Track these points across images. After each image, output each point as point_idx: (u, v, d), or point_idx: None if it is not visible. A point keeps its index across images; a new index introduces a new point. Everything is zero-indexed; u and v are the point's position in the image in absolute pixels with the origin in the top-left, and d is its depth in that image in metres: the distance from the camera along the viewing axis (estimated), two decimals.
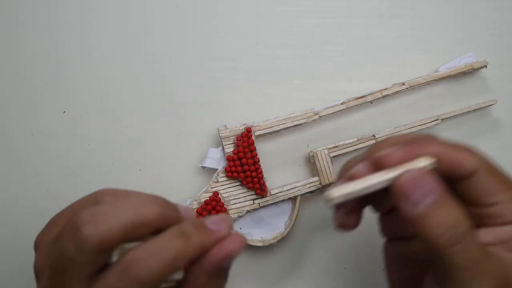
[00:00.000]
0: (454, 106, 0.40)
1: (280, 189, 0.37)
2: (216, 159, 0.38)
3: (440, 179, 0.24)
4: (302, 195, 0.37)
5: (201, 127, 0.40)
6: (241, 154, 0.37)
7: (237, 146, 0.37)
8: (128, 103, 0.40)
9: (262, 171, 0.37)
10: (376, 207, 0.28)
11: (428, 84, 0.39)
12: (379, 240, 0.30)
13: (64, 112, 0.40)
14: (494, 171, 0.25)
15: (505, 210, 0.25)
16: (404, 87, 0.39)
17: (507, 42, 0.42)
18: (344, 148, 0.38)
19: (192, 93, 0.40)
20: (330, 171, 0.37)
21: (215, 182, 0.37)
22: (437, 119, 0.39)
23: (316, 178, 0.37)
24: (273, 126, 0.38)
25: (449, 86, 0.41)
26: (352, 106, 0.38)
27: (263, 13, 0.41)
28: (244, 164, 0.37)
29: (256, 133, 0.38)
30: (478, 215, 0.25)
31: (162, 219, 0.24)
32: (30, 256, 0.39)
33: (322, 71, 0.41)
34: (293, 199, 0.38)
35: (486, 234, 0.25)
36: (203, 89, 0.40)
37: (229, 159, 0.37)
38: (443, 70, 0.39)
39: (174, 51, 0.41)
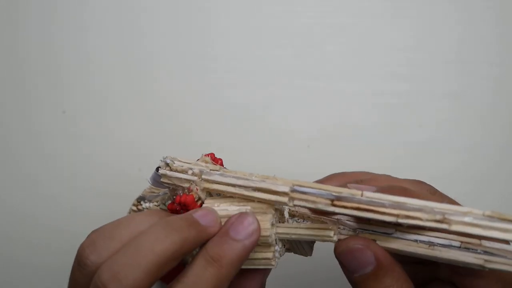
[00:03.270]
0: None
1: None
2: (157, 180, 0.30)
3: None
4: None
5: (201, 127, 0.40)
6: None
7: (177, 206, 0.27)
8: (128, 103, 0.40)
9: None
10: None
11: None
12: None
13: (64, 112, 0.40)
14: (436, 199, 0.26)
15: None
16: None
17: (507, 42, 0.42)
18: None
19: (192, 93, 0.40)
20: None
21: (163, 205, 0.30)
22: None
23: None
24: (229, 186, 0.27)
25: None
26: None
27: (263, 13, 0.41)
28: None
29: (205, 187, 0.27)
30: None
31: (186, 245, 0.23)
32: (22, 261, 0.39)
33: (322, 71, 0.41)
34: None
35: None
36: (203, 89, 0.40)
37: (168, 209, 0.28)
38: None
39: (174, 51, 0.41)
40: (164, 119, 0.40)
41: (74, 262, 0.23)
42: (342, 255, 0.25)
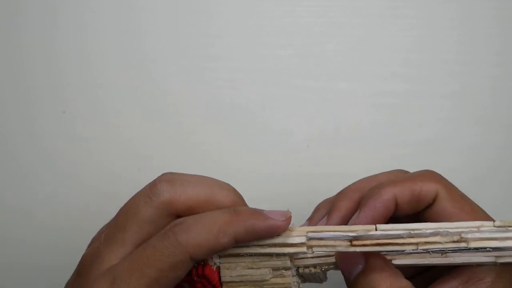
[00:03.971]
0: None
1: None
2: None
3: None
4: None
5: (200, 126, 0.40)
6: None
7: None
8: (128, 103, 0.40)
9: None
10: None
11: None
12: None
13: (63, 112, 0.40)
14: (454, 196, 0.27)
15: None
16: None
17: (507, 42, 0.42)
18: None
19: (192, 93, 0.40)
20: None
21: None
22: None
23: None
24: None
25: None
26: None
27: (263, 13, 0.41)
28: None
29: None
30: None
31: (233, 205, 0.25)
32: (22, 261, 0.39)
33: (322, 71, 0.41)
34: None
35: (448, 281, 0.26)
36: (203, 89, 0.40)
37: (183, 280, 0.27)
38: None
39: (173, 51, 0.41)
40: (164, 119, 0.40)
41: (145, 189, 0.25)
42: (339, 262, 0.26)
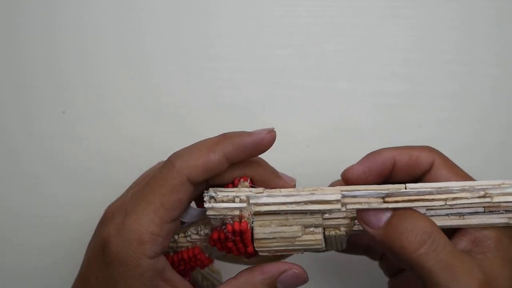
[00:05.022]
0: None
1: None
2: (197, 216, 0.30)
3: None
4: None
5: (200, 126, 0.40)
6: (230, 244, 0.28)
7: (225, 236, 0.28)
8: (128, 103, 0.40)
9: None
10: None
11: None
12: None
13: (63, 112, 0.40)
14: (449, 164, 0.28)
15: None
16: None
17: (507, 42, 0.42)
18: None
19: (192, 93, 0.40)
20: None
21: (195, 234, 0.30)
22: None
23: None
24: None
25: None
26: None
27: (263, 13, 0.41)
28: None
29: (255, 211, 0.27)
30: None
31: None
32: (22, 262, 0.39)
33: (322, 71, 0.41)
34: None
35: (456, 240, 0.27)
36: (203, 89, 0.40)
37: (213, 239, 0.28)
38: None
39: (174, 51, 0.41)
40: (164, 119, 0.40)
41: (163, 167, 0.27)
42: (361, 216, 0.26)
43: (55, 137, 0.40)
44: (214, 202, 0.27)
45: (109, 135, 0.40)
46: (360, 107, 0.40)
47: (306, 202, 0.27)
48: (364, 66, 0.41)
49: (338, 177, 0.40)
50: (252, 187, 0.28)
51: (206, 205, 0.27)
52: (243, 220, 0.27)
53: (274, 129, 0.28)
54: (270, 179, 0.29)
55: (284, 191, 0.27)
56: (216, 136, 0.27)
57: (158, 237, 0.25)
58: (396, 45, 0.41)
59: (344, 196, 0.26)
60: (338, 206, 0.26)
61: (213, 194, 0.27)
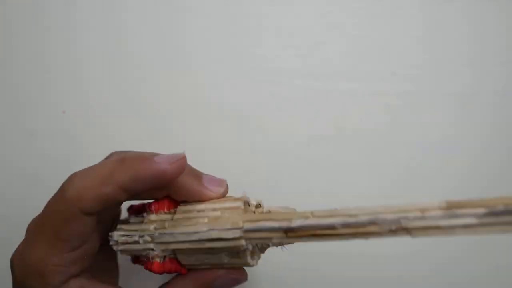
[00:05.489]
0: None
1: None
2: None
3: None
4: None
5: (200, 127, 0.40)
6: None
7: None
8: (128, 103, 0.40)
9: None
10: None
11: None
12: None
13: (63, 112, 0.40)
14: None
15: None
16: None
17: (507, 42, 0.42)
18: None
19: (192, 93, 0.40)
20: None
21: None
22: None
23: None
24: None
25: None
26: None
27: (263, 13, 0.41)
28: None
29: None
30: None
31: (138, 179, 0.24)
32: None
33: (322, 71, 0.41)
34: None
35: None
36: (203, 89, 0.40)
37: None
38: None
39: (174, 51, 0.40)
40: (164, 119, 0.40)
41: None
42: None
43: (55, 137, 0.40)
44: (121, 245, 0.26)
45: (109, 135, 0.40)
46: (360, 107, 0.40)
47: (207, 240, 0.24)
48: (364, 66, 0.41)
49: (338, 177, 0.40)
50: (169, 209, 0.26)
51: (115, 248, 0.26)
52: (154, 261, 0.26)
53: (184, 156, 0.25)
54: (193, 190, 0.26)
55: (190, 226, 0.25)
56: (113, 161, 0.25)
57: (59, 267, 0.24)
58: (396, 45, 0.41)
59: (246, 231, 0.24)
60: (243, 243, 0.24)
61: (115, 239, 0.26)
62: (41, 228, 0.25)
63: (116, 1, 0.41)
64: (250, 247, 0.25)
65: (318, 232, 0.23)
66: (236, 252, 0.25)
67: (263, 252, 0.27)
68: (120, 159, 0.24)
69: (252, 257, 0.26)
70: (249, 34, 0.41)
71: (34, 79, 0.40)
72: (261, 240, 0.24)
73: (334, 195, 0.40)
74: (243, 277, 0.27)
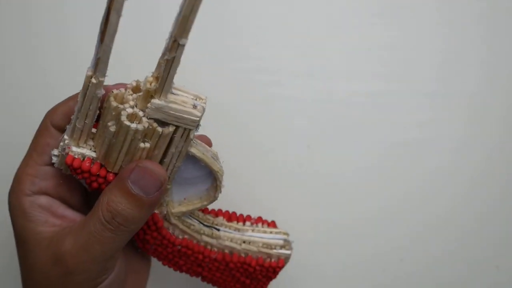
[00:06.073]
0: None
1: None
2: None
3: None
4: None
5: (200, 127, 0.40)
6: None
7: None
8: None
9: None
10: None
11: None
12: None
13: None
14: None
15: None
16: None
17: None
18: None
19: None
20: None
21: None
22: None
23: None
24: None
25: None
26: None
27: (263, 13, 0.41)
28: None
29: None
30: None
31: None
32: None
33: (322, 71, 0.41)
34: None
35: None
36: (203, 89, 0.40)
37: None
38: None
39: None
40: None
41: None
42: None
43: None
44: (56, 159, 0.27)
45: None
46: (360, 107, 0.40)
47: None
48: (364, 66, 0.41)
49: (338, 176, 0.40)
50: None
51: (56, 165, 0.27)
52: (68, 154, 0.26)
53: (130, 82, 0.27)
54: None
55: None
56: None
57: (32, 178, 0.27)
58: (396, 45, 0.41)
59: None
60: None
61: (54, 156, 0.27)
62: (29, 146, 0.28)
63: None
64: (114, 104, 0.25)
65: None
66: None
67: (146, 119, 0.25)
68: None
69: (131, 120, 0.25)
70: (249, 34, 0.41)
71: (34, 79, 0.40)
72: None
73: (334, 195, 0.40)
74: (157, 170, 0.26)
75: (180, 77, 0.41)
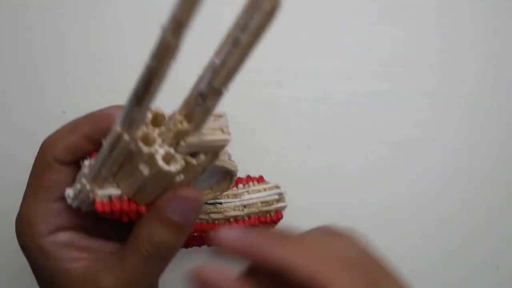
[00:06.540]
0: None
1: None
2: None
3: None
4: None
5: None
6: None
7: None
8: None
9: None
10: None
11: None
12: None
13: (64, 112, 0.40)
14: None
15: None
16: None
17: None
18: None
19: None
20: None
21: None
22: None
23: None
24: None
25: None
26: None
27: None
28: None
29: None
30: None
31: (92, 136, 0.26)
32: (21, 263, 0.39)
33: (322, 71, 0.41)
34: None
35: None
36: None
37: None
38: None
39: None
40: None
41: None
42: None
43: None
44: (73, 201, 0.26)
45: None
46: (360, 107, 0.40)
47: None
48: (364, 66, 0.41)
49: (338, 177, 0.40)
50: None
51: (73, 205, 0.26)
52: (96, 201, 0.25)
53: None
54: (99, 123, 0.27)
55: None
56: (83, 115, 0.27)
57: (46, 217, 0.26)
58: (396, 45, 0.41)
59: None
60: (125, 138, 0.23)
61: (69, 196, 0.26)
62: (29, 181, 0.27)
63: (120, 3, 0.41)
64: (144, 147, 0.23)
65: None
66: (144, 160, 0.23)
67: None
68: (89, 113, 0.27)
69: (167, 162, 0.23)
70: None
71: (34, 79, 0.40)
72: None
73: (334, 195, 0.40)
74: (195, 196, 0.25)
75: (180, 78, 0.42)
